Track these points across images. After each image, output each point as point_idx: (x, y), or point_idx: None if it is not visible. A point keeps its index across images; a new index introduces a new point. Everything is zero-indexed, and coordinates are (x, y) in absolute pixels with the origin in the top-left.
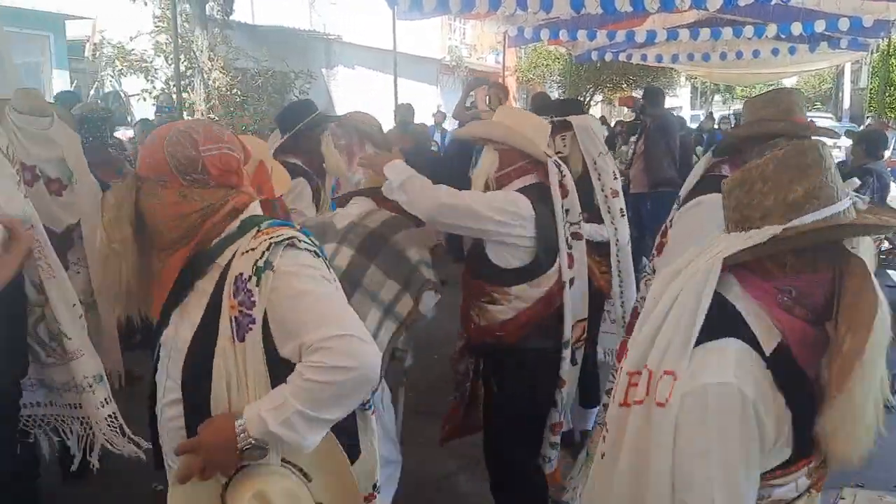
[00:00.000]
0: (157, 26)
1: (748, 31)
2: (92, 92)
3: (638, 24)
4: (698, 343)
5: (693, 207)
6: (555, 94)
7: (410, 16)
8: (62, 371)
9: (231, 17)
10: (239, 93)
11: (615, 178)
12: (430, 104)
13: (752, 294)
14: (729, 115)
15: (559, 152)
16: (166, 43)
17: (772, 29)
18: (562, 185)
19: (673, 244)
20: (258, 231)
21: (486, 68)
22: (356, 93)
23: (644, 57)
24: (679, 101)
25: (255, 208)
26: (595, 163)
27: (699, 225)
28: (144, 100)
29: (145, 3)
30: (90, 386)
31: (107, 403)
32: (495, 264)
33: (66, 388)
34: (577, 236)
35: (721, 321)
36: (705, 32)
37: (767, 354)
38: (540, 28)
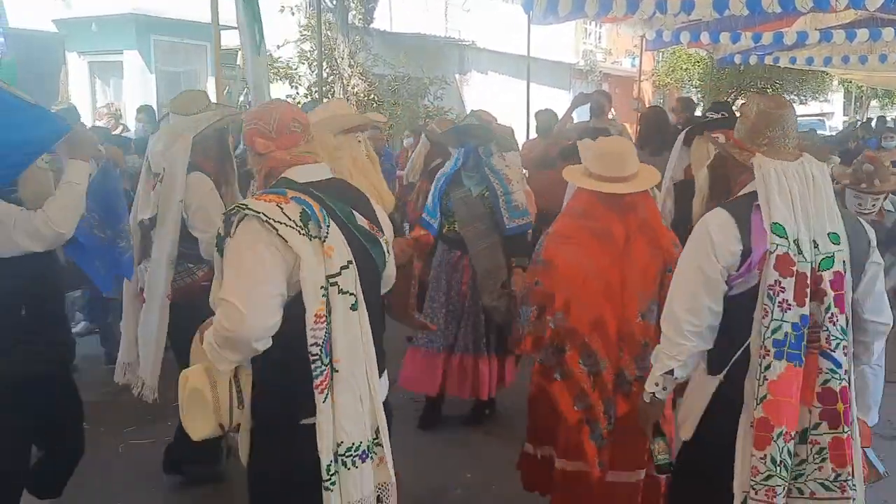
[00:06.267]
0: (302, 35)
1: None
2: (241, 98)
3: (787, 24)
4: None
5: None
6: (693, 99)
7: (545, 20)
8: None
9: (371, 25)
10: (376, 98)
11: None
12: (561, 109)
13: None
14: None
15: None
16: (310, 51)
17: None
18: None
19: None
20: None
21: (622, 73)
22: (488, 97)
23: (793, 60)
24: (831, 107)
25: (300, 173)
26: None
27: None
28: None
29: (292, 13)
30: None
31: None
32: None
33: None
34: None
35: None
36: (863, 33)
37: None
38: (679, 31)
